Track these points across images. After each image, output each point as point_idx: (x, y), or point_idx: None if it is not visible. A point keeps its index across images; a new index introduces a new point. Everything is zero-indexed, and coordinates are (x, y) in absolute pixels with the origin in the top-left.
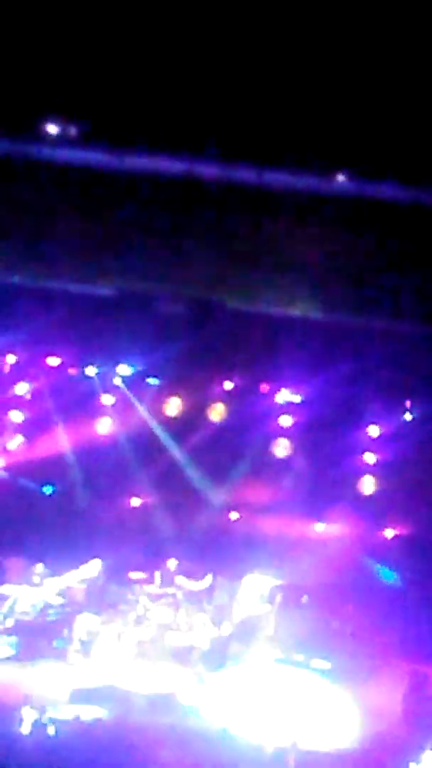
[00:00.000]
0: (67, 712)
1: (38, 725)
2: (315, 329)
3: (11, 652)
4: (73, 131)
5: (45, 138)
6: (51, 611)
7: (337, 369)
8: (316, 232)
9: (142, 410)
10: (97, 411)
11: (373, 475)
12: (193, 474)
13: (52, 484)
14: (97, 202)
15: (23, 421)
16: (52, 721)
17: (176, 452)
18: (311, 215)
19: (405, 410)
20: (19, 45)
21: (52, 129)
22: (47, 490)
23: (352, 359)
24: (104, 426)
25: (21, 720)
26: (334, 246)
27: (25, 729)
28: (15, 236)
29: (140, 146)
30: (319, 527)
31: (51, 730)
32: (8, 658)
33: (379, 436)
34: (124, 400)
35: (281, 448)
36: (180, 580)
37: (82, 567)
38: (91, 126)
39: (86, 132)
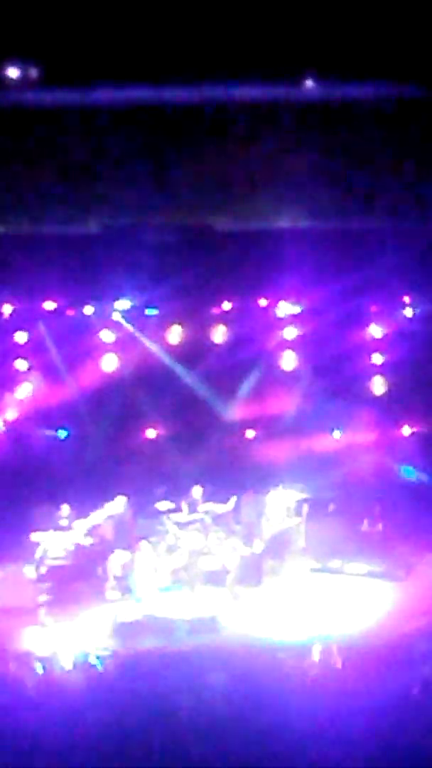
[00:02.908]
0: (110, 647)
1: (84, 663)
2: (304, 237)
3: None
4: (34, 73)
5: (7, 82)
6: (82, 552)
7: (332, 274)
8: (292, 140)
9: (145, 342)
10: (101, 349)
11: (383, 375)
12: (204, 398)
13: (66, 428)
14: (70, 142)
15: (28, 369)
16: (98, 657)
17: (184, 379)
18: (284, 124)
19: (405, 306)
20: None
21: (13, 73)
22: (62, 434)
23: (346, 263)
24: (110, 363)
25: (66, 660)
26: (312, 152)
27: (71, 669)
28: None
29: (104, 79)
30: (336, 434)
31: (97, 667)
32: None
33: (384, 336)
34: (126, 334)
35: (288, 361)
36: (205, 504)
37: (108, 505)
38: (52, 65)
39: (48, 72)
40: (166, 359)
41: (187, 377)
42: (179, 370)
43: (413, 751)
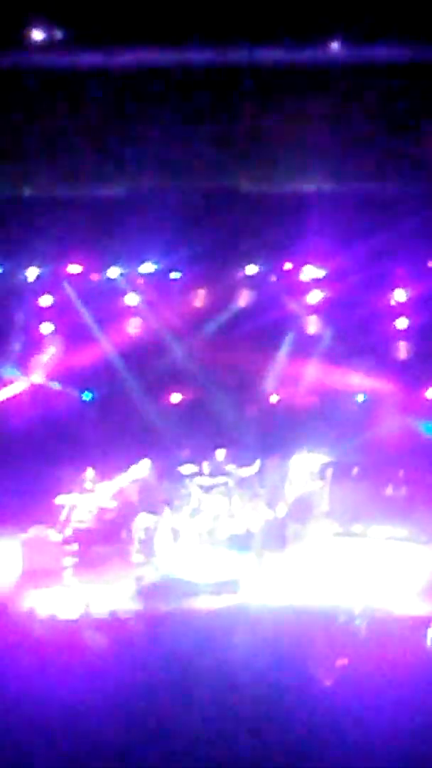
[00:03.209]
0: (134, 609)
1: (108, 625)
2: (329, 201)
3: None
4: (59, 35)
5: (32, 45)
6: (107, 515)
7: (357, 238)
8: (317, 103)
9: (170, 306)
10: (126, 312)
11: (408, 339)
12: (228, 362)
13: (91, 391)
14: (94, 104)
15: (54, 333)
16: (122, 619)
17: (209, 344)
18: (309, 87)
19: (430, 270)
20: None
21: (38, 35)
22: (87, 396)
23: (371, 226)
24: (135, 327)
25: (91, 622)
26: (337, 115)
27: (95, 631)
28: (18, 149)
29: (128, 41)
30: (360, 398)
31: (121, 628)
32: (71, 564)
33: (409, 300)
34: (150, 298)
35: (312, 325)
36: (229, 468)
37: (132, 468)
38: (76, 28)
39: (72, 34)
40: (190, 323)
41: (211, 343)
42: (203, 335)
43: None
